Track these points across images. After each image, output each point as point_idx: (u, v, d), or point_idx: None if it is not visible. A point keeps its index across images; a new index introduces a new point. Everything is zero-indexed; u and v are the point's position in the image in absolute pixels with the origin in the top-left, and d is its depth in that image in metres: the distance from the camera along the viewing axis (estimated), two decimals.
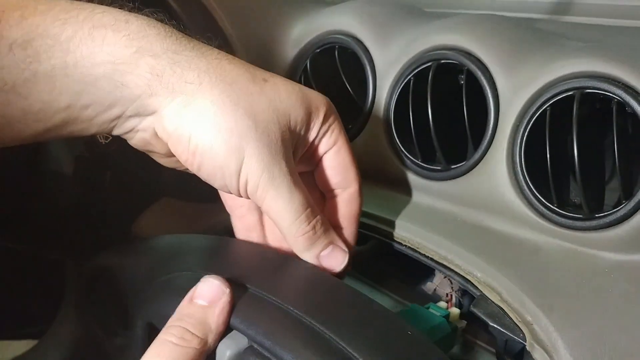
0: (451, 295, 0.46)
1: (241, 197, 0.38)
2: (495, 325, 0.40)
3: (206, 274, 0.36)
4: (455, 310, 0.45)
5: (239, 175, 0.37)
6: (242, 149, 0.36)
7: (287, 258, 0.41)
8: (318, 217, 0.39)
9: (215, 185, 0.38)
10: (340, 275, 0.41)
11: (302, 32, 0.63)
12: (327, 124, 0.41)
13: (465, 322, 0.45)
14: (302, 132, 0.40)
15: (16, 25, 0.33)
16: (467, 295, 0.45)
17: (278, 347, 0.31)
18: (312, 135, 0.40)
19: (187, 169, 0.38)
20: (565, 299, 0.40)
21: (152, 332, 0.39)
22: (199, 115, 0.35)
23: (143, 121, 0.37)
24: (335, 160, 0.42)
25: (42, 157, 0.59)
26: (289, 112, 0.38)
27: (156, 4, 0.59)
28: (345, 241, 0.42)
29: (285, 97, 0.38)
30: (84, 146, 0.55)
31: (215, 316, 0.34)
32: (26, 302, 0.90)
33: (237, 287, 0.35)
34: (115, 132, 0.38)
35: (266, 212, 0.39)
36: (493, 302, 0.41)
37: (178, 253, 0.42)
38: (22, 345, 0.89)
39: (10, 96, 0.33)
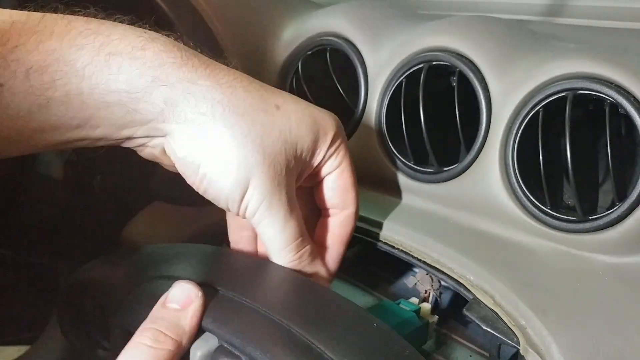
0: (429, 292, 0.46)
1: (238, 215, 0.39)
2: (488, 329, 0.40)
3: (179, 280, 0.36)
4: (425, 306, 0.45)
5: (241, 202, 0.37)
6: (248, 181, 0.36)
7: (259, 261, 0.42)
8: (307, 247, 0.40)
9: (218, 205, 0.39)
10: None
11: (293, 34, 0.62)
12: (333, 147, 0.41)
13: (437, 317, 0.45)
14: (308, 158, 0.40)
15: (33, 51, 0.32)
16: (448, 292, 0.45)
17: (247, 345, 0.32)
18: (317, 159, 0.41)
19: None
20: (559, 302, 0.40)
21: (129, 338, 0.39)
22: (210, 147, 0.36)
23: (154, 140, 0.37)
24: (336, 182, 0.42)
25: (31, 161, 0.58)
26: (298, 141, 0.38)
27: (146, 6, 0.59)
28: (330, 262, 0.43)
29: (295, 126, 0.38)
30: (73, 150, 0.55)
31: (188, 318, 0.34)
32: (18, 308, 0.90)
33: (209, 290, 0.35)
34: (125, 145, 0.38)
35: (259, 235, 0.39)
36: (486, 305, 0.41)
37: (153, 262, 0.42)
38: (14, 352, 0.89)
39: (21, 121, 0.33)
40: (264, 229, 0.38)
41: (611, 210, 0.41)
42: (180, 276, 0.37)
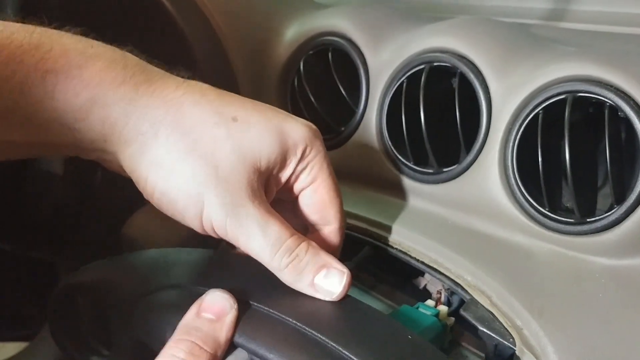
0: (441, 292, 0.46)
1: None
2: (485, 330, 0.40)
3: (198, 289, 0.35)
4: (443, 308, 0.45)
5: (201, 219, 0.35)
6: (201, 196, 0.35)
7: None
8: (302, 243, 0.37)
9: (182, 223, 0.37)
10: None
11: (295, 34, 0.63)
12: (304, 161, 0.39)
13: (453, 319, 0.44)
14: (276, 171, 0.38)
15: None
16: (457, 293, 0.45)
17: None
18: (286, 173, 0.38)
19: None
20: (556, 304, 0.40)
21: (142, 350, 0.38)
22: (154, 164, 0.35)
23: (105, 155, 0.37)
24: (312, 199, 0.40)
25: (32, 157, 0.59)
26: (258, 153, 0.36)
27: (150, 3, 0.59)
28: None
29: (254, 138, 0.36)
30: None
31: (224, 331, 0.33)
32: (17, 305, 0.90)
33: (240, 302, 0.34)
34: (83, 157, 0.37)
35: (246, 252, 0.37)
36: (483, 306, 0.41)
37: (164, 268, 0.41)
38: (14, 348, 0.89)
39: None
40: (245, 245, 0.36)
41: (609, 213, 0.41)
42: (198, 285, 0.36)
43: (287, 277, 0.36)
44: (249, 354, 0.33)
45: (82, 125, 0.34)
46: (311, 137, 0.39)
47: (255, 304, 0.35)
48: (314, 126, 0.40)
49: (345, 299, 0.36)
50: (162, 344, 0.33)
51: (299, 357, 0.31)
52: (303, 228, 0.42)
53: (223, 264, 0.42)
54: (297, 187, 0.40)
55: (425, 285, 0.48)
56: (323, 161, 0.39)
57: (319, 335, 0.32)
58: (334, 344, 0.31)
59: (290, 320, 0.33)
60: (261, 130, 0.36)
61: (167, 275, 0.40)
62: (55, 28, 0.35)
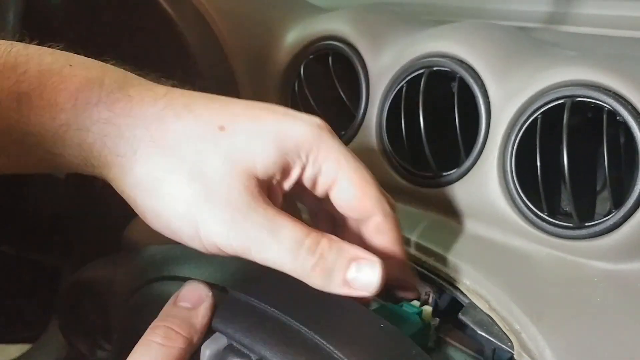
0: (429, 294, 0.46)
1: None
2: (483, 334, 0.40)
3: (189, 279, 0.36)
4: (427, 308, 0.45)
5: (200, 239, 0.33)
6: (193, 215, 0.32)
7: None
8: (323, 240, 0.33)
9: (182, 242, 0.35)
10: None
11: (296, 38, 0.63)
12: (316, 164, 0.35)
13: (438, 319, 0.45)
14: (278, 178, 0.35)
15: None
16: (445, 294, 0.45)
17: (256, 343, 0.32)
18: (293, 178, 0.35)
19: None
20: (554, 308, 0.40)
21: (134, 337, 0.39)
22: (138, 186, 0.33)
23: (97, 174, 0.35)
24: (342, 198, 0.36)
25: None
26: (252, 160, 0.33)
27: (151, 8, 0.59)
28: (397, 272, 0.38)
29: (244, 145, 0.33)
30: None
31: (199, 317, 0.34)
32: (20, 307, 0.90)
33: (218, 290, 0.36)
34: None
35: (265, 265, 0.34)
36: (481, 310, 0.41)
37: (157, 262, 0.42)
38: (16, 350, 0.89)
39: None
40: (259, 257, 0.33)
41: (607, 217, 0.42)
42: (187, 277, 0.37)
43: (316, 280, 0.33)
44: (228, 338, 0.34)
45: (62, 149, 0.32)
46: (315, 136, 0.34)
47: (236, 292, 0.35)
48: (317, 120, 0.36)
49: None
50: None
51: (273, 340, 0.32)
52: (353, 236, 0.39)
53: (218, 258, 0.43)
54: (319, 191, 0.36)
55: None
56: (339, 156, 0.35)
57: (294, 322, 0.33)
58: (308, 330, 0.32)
59: (268, 307, 0.34)
60: (252, 136, 0.33)
61: (161, 268, 0.41)
62: (37, 43, 0.34)
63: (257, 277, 0.37)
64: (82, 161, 0.33)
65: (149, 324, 0.35)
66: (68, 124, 0.32)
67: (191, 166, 0.32)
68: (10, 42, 0.33)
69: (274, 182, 0.35)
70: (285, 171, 0.35)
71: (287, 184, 0.35)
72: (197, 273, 0.38)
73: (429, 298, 0.46)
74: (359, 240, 0.38)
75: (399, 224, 0.38)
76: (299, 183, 0.36)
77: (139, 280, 0.41)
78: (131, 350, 0.33)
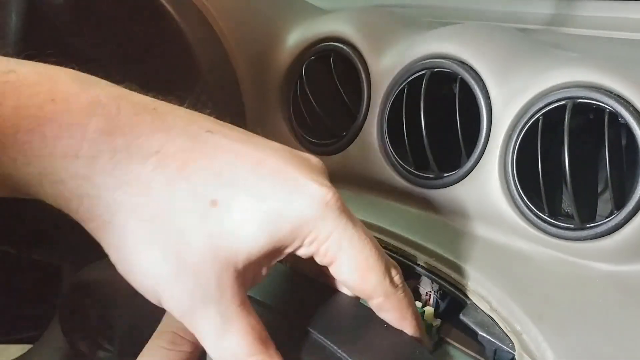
0: (430, 295, 0.46)
1: None
2: (484, 335, 0.40)
3: None
4: (429, 309, 0.45)
5: (161, 305, 0.31)
6: (157, 292, 0.30)
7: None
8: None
9: None
10: None
11: (298, 39, 0.63)
12: (312, 245, 0.31)
13: (440, 320, 0.45)
14: (265, 261, 0.31)
15: None
16: (447, 296, 0.45)
17: None
18: (281, 257, 0.32)
19: None
20: (555, 309, 0.40)
21: (137, 337, 0.40)
22: (112, 246, 0.30)
23: None
24: (339, 277, 0.33)
25: None
26: (236, 247, 0.29)
27: (153, 10, 0.59)
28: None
29: (233, 228, 0.29)
30: None
31: None
32: (21, 307, 0.90)
33: None
34: None
35: None
36: (483, 311, 0.41)
37: None
38: (17, 350, 0.89)
39: None
40: (203, 345, 0.31)
41: (608, 219, 0.42)
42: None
43: None
44: None
45: (37, 194, 0.29)
46: (318, 216, 0.30)
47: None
48: (327, 194, 0.30)
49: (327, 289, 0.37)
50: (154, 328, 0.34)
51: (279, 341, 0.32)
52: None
53: None
54: (316, 263, 0.33)
55: (417, 287, 0.49)
56: (341, 239, 0.31)
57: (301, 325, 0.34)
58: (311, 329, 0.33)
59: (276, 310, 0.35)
60: (245, 218, 0.29)
61: None
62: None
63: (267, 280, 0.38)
64: (59, 208, 0.30)
65: (155, 324, 0.35)
66: (42, 175, 0.28)
67: (169, 244, 0.29)
68: None
69: (257, 266, 0.31)
70: (275, 253, 0.31)
71: (275, 261, 0.32)
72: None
73: (429, 299, 0.46)
74: None
75: (406, 303, 0.34)
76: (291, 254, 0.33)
77: None
78: (135, 350, 0.33)
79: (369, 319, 0.35)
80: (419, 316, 0.35)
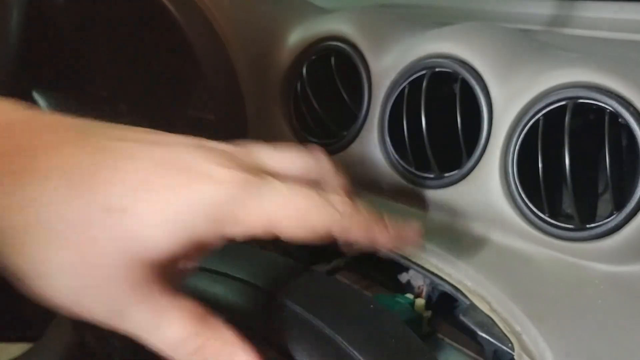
0: (422, 288, 0.46)
1: None
2: (484, 335, 0.40)
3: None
4: (420, 301, 0.45)
5: (88, 318, 0.30)
6: (78, 307, 0.29)
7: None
8: (207, 342, 0.30)
9: None
10: None
11: (298, 39, 0.63)
12: (238, 226, 0.30)
13: (431, 312, 0.45)
14: (184, 254, 0.30)
15: None
16: (439, 288, 0.46)
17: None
18: (205, 247, 0.31)
19: None
20: (555, 310, 0.40)
21: None
22: (18, 272, 0.29)
23: None
24: (293, 237, 0.32)
25: None
26: (149, 247, 0.29)
27: (155, 10, 0.59)
28: None
29: (144, 231, 0.29)
30: None
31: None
32: (21, 305, 0.90)
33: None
34: None
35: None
36: (482, 311, 0.41)
37: None
38: (17, 349, 0.89)
39: None
40: (146, 342, 0.30)
41: (609, 219, 0.42)
42: (214, 269, 0.39)
43: None
44: None
45: None
46: (227, 197, 0.30)
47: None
48: (228, 174, 0.30)
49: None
50: None
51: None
52: None
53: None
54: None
55: (409, 280, 0.49)
56: (261, 206, 0.30)
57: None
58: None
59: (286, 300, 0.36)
60: (152, 219, 0.29)
61: None
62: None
63: (272, 269, 0.39)
64: None
65: None
66: None
67: (79, 257, 0.28)
68: None
69: (178, 258, 0.30)
70: (196, 243, 0.30)
71: (206, 248, 0.32)
72: (226, 266, 0.39)
73: (422, 292, 0.46)
74: None
75: (362, 217, 0.33)
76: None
77: None
78: (142, 347, 0.33)
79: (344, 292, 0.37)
80: (385, 221, 0.34)
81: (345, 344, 0.33)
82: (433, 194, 0.51)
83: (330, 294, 0.37)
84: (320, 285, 0.38)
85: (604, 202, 0.47)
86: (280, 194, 0.31)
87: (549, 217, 0.44)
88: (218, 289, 0.38)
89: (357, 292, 0.38)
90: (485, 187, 0.47)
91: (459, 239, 0.48)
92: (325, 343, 0.33)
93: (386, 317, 0.36)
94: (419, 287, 0.47)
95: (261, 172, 0.31)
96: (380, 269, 0.54)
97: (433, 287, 0.45)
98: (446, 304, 0.46)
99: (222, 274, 0.38)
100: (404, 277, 0.50)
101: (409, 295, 0.46)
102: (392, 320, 0.36)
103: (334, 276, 0.41)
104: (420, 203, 0.52)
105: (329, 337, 0.33)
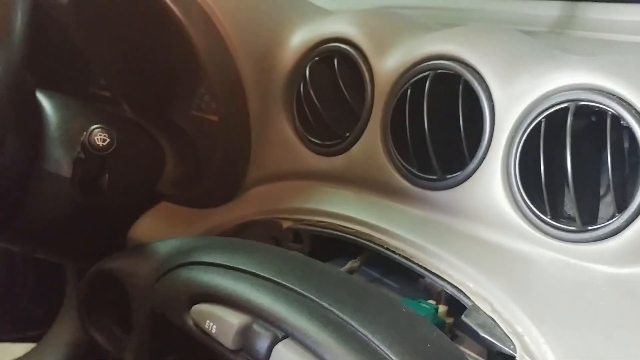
0: (441, 294, 0.46)
1: None
2: (486, 336, 0.40)
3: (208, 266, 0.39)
4: (442, 307, 0.45)
5: None
6: None
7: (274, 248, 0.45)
8: None
9: None
10: None
11: (301, 40, 0.63)
12: None
13: (452, 318, 0.45)
14: None
15: None
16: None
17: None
18: None
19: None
20: (557, 311, 0.40)
21: (157, 320, 0.41)
22: None
23: None
24: None
25: (40, 159, 0.59)
26: None
27: (158, 10, 0.60)
28: None
29: None
30: (82, 148, 0.56)
31: None
32: (25, 306, 0.91)
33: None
34: None
35: None
36: (484, 312, 0.41)
37: (187, 250, 0.45)
38: (21, 349, 0.90)
39: None
40: None
41: (610, 221, 0.42)
42: (216, 263, 0.40)
43: None
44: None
45: None
46: None
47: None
48: None
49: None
50: (176, 312, 0.38)
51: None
52: None
53: (236, 244, 0.46)
54: None
55: (427, 286, 0.49)
56: None
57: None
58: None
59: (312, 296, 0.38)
60: None
61: (190, 255, 0.44)
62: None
63: (283, 262, 0.42)
64: None
65: (175, 306, 0.36)
66: None
67: None
68: None
69: None
70: None
71: None
72: (228, 260, 0.40)
73: (441, 298, 0.46)
74: None
75: None
76: None
77: (166, 265, 0.42)
78: (155, 332, 0.34)
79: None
80: None
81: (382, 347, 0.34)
82: (435, 196, 0.51)
83: (362, 297, 0.38)
84: (353, 288, 0.39)
85: (606, 204, 0.47)
86: None
87: (550, 218, 0.44)
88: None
89: (391, 298, 0.39)
90: (487, 189, 0.47)
91: (460, 240, 0.48)
92: (363, 346, 0.34)
93: (421, 323, 0.37)
94: (437, 293, 0.47)
95: None
96: (395, 272, 0.54)
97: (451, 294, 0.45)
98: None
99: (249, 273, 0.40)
100: (421, 283, 0.50)
101: (431, 302, 0.46)
102: (426, 326, 0.37)
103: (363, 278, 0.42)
104: (423, 204, 0.52)
105: (365, 339, 0.34)
